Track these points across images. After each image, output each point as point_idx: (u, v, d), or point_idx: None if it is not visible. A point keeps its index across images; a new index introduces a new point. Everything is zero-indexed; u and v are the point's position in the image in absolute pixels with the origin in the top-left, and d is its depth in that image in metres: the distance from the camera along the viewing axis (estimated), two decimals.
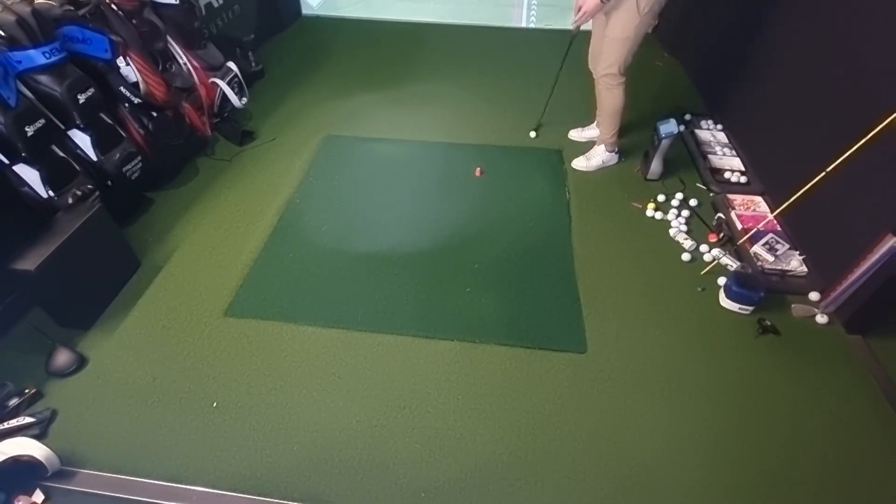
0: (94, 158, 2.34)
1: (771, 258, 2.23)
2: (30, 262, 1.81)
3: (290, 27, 4.44)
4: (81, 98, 2.24)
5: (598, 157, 2.80)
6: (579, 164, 2.85)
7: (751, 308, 2.08)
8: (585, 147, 3.02)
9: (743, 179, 2.70)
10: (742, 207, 2.54)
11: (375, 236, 2.47)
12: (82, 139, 2.31)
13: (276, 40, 4.22)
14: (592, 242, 2.43)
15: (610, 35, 2.33)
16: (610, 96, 2.56)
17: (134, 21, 2.61)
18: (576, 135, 3.11)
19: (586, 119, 3.09)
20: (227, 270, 2.29)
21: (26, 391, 1.80)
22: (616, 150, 2.83)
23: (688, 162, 2.90)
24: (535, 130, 3.09)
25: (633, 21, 2.22)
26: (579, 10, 2.31)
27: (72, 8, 2.30)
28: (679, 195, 2.64)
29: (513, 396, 1.84)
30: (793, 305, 2.12)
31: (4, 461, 1.52)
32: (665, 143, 2.63)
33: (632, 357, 1.96)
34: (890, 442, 1.72)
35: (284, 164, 2.91)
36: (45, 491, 1.58)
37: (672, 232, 2.46)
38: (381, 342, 2.01)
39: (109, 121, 2.45)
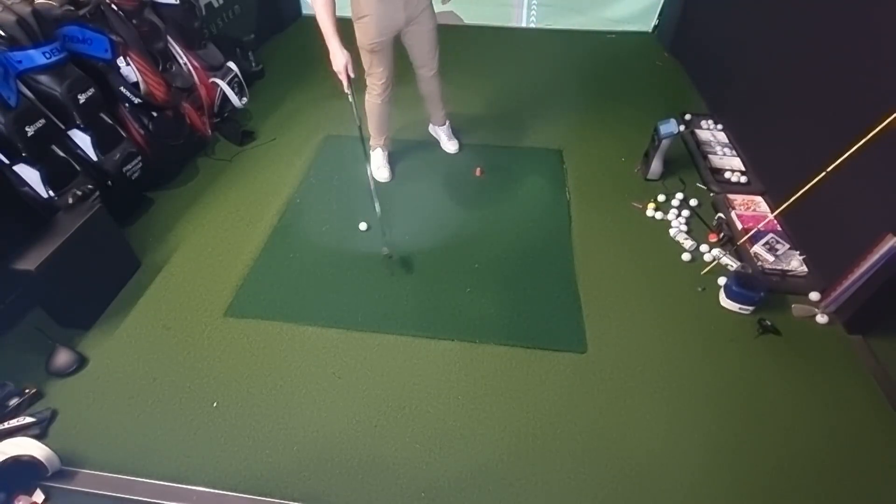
0: (95, 158, 2.34)
1: (771, 258, 2.23)
2: (30, 262, 1.81)
3: (290, 27, 4.44)
4: (82, 98, 2.24)
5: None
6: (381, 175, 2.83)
7: (751, 308, 2.08)
8: (585, 146, 3.03)
9: (743, 179, 2.70)
10: (742, 207, 2.53)
11: (375, 236, 2.47)
12: (82, 139, 2.31)
13: (276, 40, 4.22)
14: (592, 242, 2.43)
15: (433, 25, 2.40)
16: (440, 81, 2.66)
17: (134, 21, 2.62)
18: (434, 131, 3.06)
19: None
20: (227, 270, 2.29)
21: (26, 391, 1.80)
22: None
23: (688, 162, 2.90)
24: None
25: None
26: None
27: (72, 8, 2.30)
28: (679, 195, 2.64)
29: (513, 396, 1.84)
30: (793, 305, 2.11)
31: (5, 461, 1.53)
32: (665, 143, 2.63)
33: (632, 357, 1.96)
34: (890, 442, 1.72)
35: (284, 164, 2.92)
36: (45, 491, 1.58)
37: (672, 232, 2.46)
38: (381, 342, 2.01)
39: (109, 121, 2.45)
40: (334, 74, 2.17)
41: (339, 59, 2.12)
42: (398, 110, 3.37)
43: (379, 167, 2.82)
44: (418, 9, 2.30)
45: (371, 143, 2.82)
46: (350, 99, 2.22)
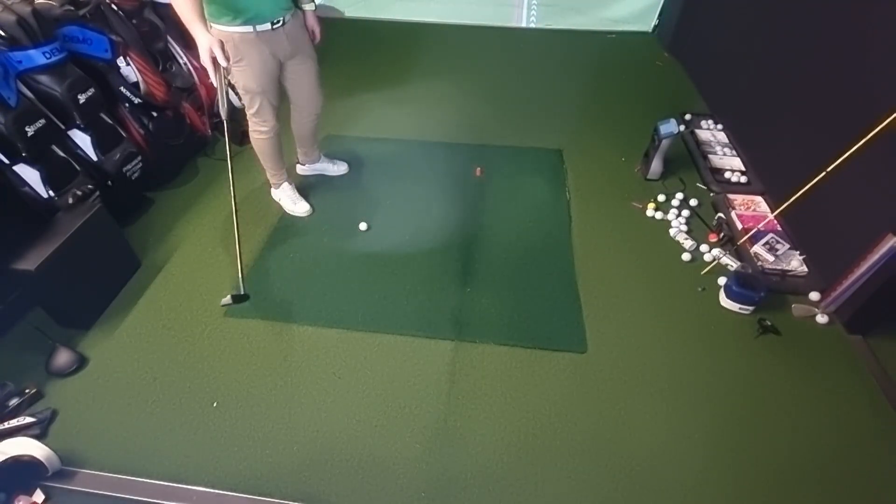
0: (95, 158, 2.34)
1: (771, 258, 2.23)
2: (30, 262, 1.81)
3: None
4: (82, 98, 2.25)
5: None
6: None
7: (751, 308, 2.08)
8: (585, 146, 3.03)
9: (743, 179, 2.70)
10: (742, 207, 2.53)
11: (375, 236, 2.47)
12: (82, 139, 2.31)
13: None
14: (592, 242, 2.43)
15: (316, 68, 2.26)
16: (320, 122, 2.54)
17: (134, 21, 2.62)
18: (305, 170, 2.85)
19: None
20: (227, 270, 2.29)
21: (26, 391, 1.80)
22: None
23: (688, 162, 2.90)
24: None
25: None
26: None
27: (72, 8, 2.30)
28: (679, 195, 2.64)
29: (513, 396, 1.84)
30: (793, 305, 2.11)
31: (5, 461, 1.52)
32: (665, 142, 2.63)
33: (632, 357, 1.96)
34: (890, 442, 1.72)
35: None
36: (46, 491, 1.58)
37: (672, 232, 2.46)
38: (381, 342, 2.01)
39: (109, 121, 2.45)
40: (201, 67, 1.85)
41: (205, 51, 1.83)
42: (398, 109, 3.40)
43: (295, 202, 2.55)
44: (302, 43, 2.11)
45: (273, 181, 2.57)
46: (221, 92, 1.93)
